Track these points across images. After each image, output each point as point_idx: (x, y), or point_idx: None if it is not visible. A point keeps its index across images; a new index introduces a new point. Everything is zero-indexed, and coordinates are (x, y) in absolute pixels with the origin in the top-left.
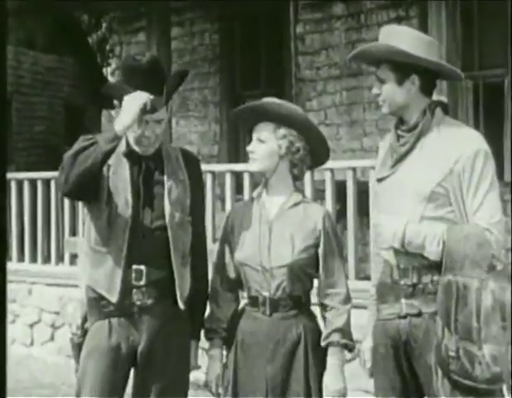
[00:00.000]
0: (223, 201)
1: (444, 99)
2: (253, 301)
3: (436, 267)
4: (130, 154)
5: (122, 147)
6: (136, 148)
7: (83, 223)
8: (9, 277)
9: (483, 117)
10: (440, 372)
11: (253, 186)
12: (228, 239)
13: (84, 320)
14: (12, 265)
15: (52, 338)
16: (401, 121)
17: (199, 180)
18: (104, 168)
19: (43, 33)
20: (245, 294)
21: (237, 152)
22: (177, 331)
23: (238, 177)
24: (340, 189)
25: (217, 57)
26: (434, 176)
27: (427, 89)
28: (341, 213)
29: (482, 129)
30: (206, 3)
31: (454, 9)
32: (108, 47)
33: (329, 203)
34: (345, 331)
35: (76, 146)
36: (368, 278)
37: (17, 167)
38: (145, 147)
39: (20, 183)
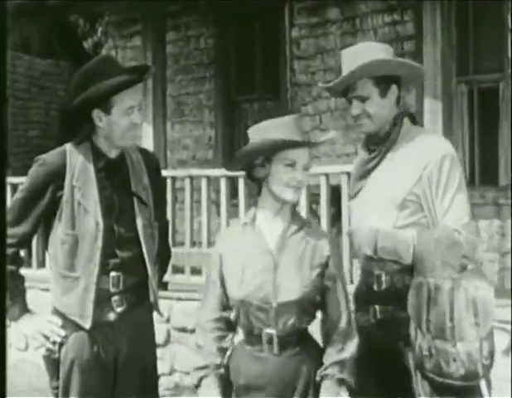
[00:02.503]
0: (218, 205)
1: (412, 109)
2: (256, 340)
3: (408, 271)
4: (105, 166)
5: (87, 163)
6: (120, 143)
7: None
8: None
9: (478, 121)
10: (419, 374)
11: (248, 191)
12: (220, 272)
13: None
14: None
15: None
16: (369, 135)
17: (160, 181)
18: (67, 191)
19: (39, 38)
20: (242, 332)
21: (232, 156)
22: (152, 334)
23: (233, 181)
24: (334, 193)
25: (212, 62)
26: (405, 184)
27: (399, 98)
28: (336, 217)
29: (477, 134)
30: (202, 7)
31: (449, 13)
32: (103, 52)
33: (324, 207)
34: (345, 365)
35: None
36: None
37: (13, 172)
38: (133, 138)
39: (15, 188)
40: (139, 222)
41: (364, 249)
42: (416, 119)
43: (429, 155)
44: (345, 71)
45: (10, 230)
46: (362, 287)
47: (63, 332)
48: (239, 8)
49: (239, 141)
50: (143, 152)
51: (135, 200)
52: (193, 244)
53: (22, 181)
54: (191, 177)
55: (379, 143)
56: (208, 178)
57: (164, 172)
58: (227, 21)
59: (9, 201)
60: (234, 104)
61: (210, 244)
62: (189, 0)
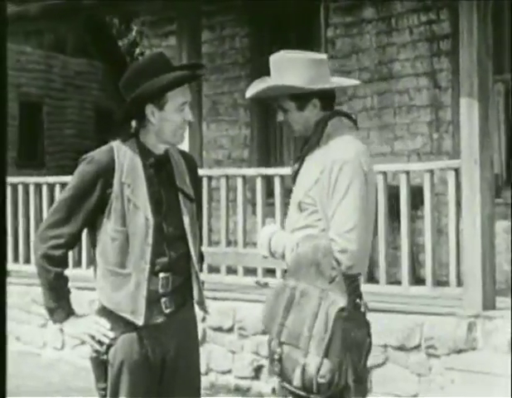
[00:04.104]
0: (253, 204)
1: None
2: None
3: None
4: (153, 163)
5: (136, 160)
6: (171, 139)
7: (92, 244)
8: None
9: None
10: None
11: (284, 190)
12: None
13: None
14: None
15: (83, 342)
16: (298, 139)
17: (199, 182)
18: (116, 188)
19: (73, 37)
20: None
21: (268, 156)
22: (196, 333)
23: (268, 181)
24: None
25: (247, 61)
26: (305, 186)
27: (328, 105)
28: None
29: None
30: (237, 7)
31: (485, 12)
32: (138, 51)
33: None
34: None
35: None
36: (398, 282)
37: (48, 171)
38: (183, 137)
39: (52, 187)
40: (186, 220)
41: (262, 252)
42: (352, 119)
43: (326, 159)
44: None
45: (58, 231)
46: None
47: (112, 334)
48: (275, 8)
49: (275, 140)
50: (183, 153)
51: (181, 198)
52: (229, 243)
53: (58, 180)
54: (227, 177)
55: (304, 147)
56: (244, 177)
57: (200, 172)
58: (262, 21)
59: (45, 201)
60: (269, 103)
61: (246, 243)
62: (224, 0)
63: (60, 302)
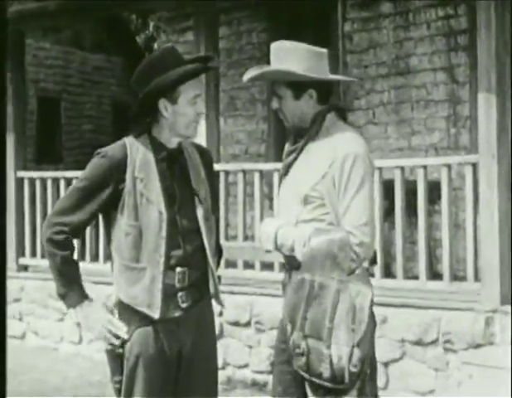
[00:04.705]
0: (270, 199)
1: (340, 103)
2: None
3: None
4: (165, 157)
5: (148, 154)
6: (184, 132)
7: (108, 240)
8: None
9: None
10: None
11: None
12: None
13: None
14: None
15: None
16: (290, 130)
17: (214, 176)
18: (129, 182)
19: (91, 33)
20: None
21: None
22: (213, 327)
23: None
24: (387, 188)
25: (264, 56)
26: (310, 180)
27: (324, 98)
28: (389, 211)
29: None
30: (254, 3)
31: (503, 7)
32: (155, 46)
33: (377, 202)
34: None
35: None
36: (416, 277)
37: (66, 166)
38: (195, 129)
39: (69, 182)
40: (200, 214)
41: (267, 244)
42: (345, 115)
43: (335, 153)
44: (271, 63)
45: (64, 218)
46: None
47: (126, 335)
48: (292, 3)
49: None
50: (198, 147)
51: (195, 192)
52: (246, 238)
53: (76, 175)
54: (244, 171)
55: (300, 139)
56: (261, 172)
57: (217, 166)
58: (279, 16)
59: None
60: None
61: None
62: None
63: (70, 286)
